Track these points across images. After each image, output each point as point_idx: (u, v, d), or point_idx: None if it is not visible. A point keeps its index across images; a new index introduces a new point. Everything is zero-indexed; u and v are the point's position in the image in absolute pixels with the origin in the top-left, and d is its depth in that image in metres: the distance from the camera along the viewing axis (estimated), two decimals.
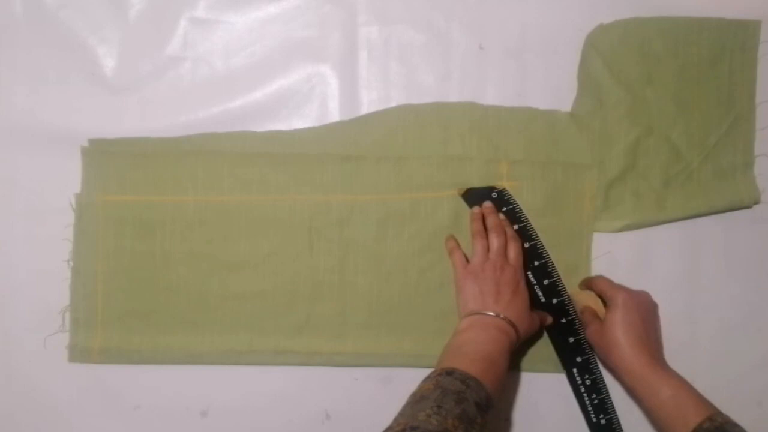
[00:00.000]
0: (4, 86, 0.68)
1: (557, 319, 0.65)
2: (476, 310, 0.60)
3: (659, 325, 0.65)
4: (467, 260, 0.64)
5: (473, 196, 0.66)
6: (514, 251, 0.64)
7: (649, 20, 0.67)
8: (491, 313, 0.59)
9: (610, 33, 0.67)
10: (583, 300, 0.66)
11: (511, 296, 0.61)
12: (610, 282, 0.64)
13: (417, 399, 0.52)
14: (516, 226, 0.66)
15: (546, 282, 0.65)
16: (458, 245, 0.66)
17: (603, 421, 0.65)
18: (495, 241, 0.63)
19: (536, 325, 0.63)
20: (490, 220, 0.65)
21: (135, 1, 0.69)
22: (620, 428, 0.65)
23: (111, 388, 0.67)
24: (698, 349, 0.68)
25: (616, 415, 0.65)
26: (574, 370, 0.66)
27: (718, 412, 0.55)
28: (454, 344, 0.58)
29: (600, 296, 0.64)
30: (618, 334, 0.60)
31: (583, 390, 0.65)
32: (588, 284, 0.66)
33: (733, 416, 0.64)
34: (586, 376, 0.65)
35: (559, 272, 0.66)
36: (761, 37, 0.68)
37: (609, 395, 0.65)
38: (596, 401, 0.65)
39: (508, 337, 0.58)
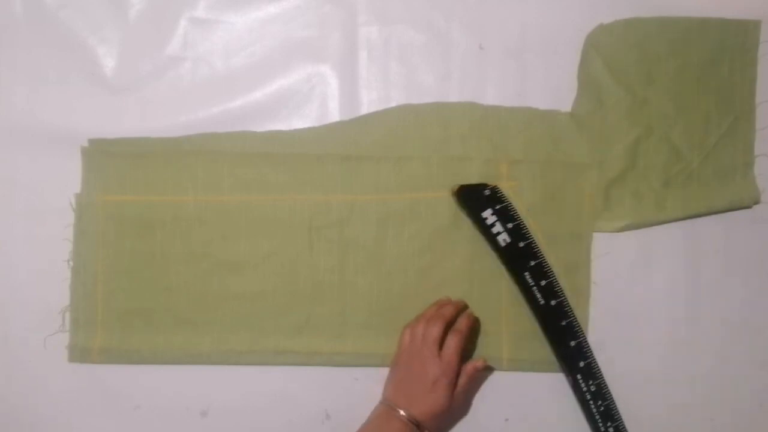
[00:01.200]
0: (4, 86, 0.68)
1: (557, 322, 0.65)
2: (390, 401, 0.60)
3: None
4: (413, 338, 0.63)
5: (466, 194, 0.66)
6: (453, 345, 0.61)
7: (649, 20, 0.67)
8: (401, 412, 0.59)
9: (610, 33, 0.67)
10: None
11: (425, 393, 0.59)
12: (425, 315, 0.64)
13: None
14: (510, 225, 0.65)
15: (543, 283, 0.65)
16: (421, 319, 0.63)
17: (611, 429, 0.64)
18: (430, 330, 0.61)
19: (449, 424, 0.64)
20: (429, 310, 0.64)
21: (135, 1, 0.69)
22: None
23: (111, 388, 0.67)
24: (698, 349, 0.68)
25: (623, 422, 0.65)
26: (578, 376, 0.65)
27: None
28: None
29: None
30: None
31: (588, 397, 0.65)
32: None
33: (733, 417, 0.64)
34: (590, 382, 0.65)
35: (559, 272, 0.66)
36: (761, 37, 0.68)
37: (613, 401, 0.65)
38: (602, 408, 0.64)
39: None
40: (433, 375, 0.60)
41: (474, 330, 0.65)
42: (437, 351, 0.61)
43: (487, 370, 0.66)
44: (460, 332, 0.62)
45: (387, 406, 0.60)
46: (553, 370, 0.66)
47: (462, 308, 0.65)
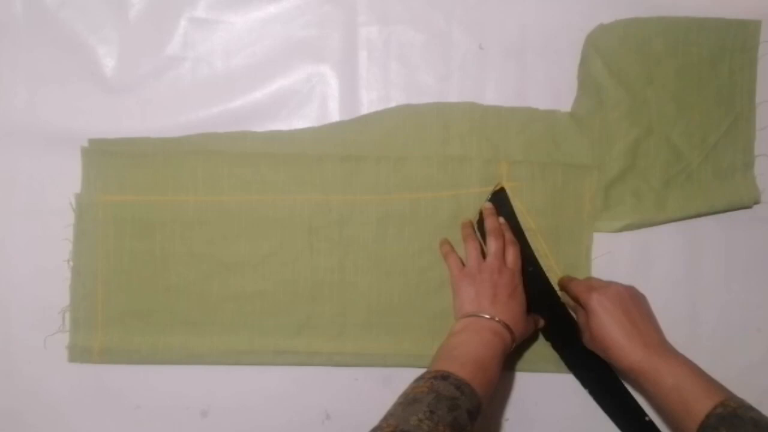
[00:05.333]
0: (4, 86, 0.68)
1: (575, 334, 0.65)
2: (471, 312, 0.60)
3: (648, 308, 0.62)
4: (463, 264, 0.64)
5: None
6: (512, 255, 0.63)
7: (649, 20, 0.67)
8: (486, 316, 0.59)
9: (610, 33, 0.67)
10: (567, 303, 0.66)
11: (507, 299, 0.60)
12: (580, 285, 0.63)
13: (409, 401, 0.51)
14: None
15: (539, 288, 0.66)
16: (452, 249, 0.66)
17: (647, 418, 0.65)
18: (493, 244, 0.63)
19: (531, 329, 0.63)
20: (489, 222, 0.65)
21: (135, 1, 0.69)
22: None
23: (111, 388, 0.67)
24: (698, 349, 0.67)
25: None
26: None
27: (731, 396, 0.52)
28: (448, 346, 0.58)
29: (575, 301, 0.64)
30: (606, 337, 0.59)
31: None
32: (562, 288, 0.65)
33: None
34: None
35: (559, 272, 0.66)
36: (761, 37, 0.68)
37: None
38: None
39: (503, 341, 0.58)
40: (511, 283, 0.61)
41: None
42: (504, 262, 0.63)
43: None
44: (515, 243, 0.64)
45: (471, 317, 0.60)
46: (553, 370, 0.66)
47: (493, 211, 0.66)
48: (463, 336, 0.58)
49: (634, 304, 0.60)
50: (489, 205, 0.66)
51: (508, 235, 0.65)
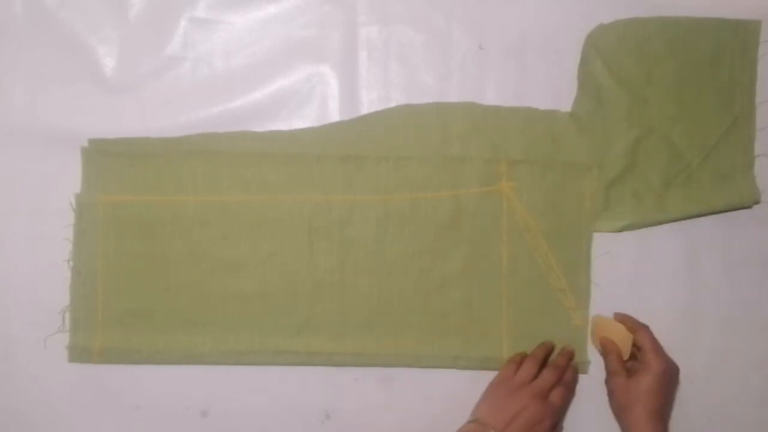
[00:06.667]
0: (4, 86, 0.68)
1: None
2: (483, 420, 0.60)
3: (676, 393, 0.65)
4: (516, 371, 0.63)
5: None
6: (558, 396, 0.61)
7: (649, 20, 0.67)
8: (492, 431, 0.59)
9: (610, 33, 0.67)
10: (607, 330, 0.65)
11: (525, 427, 0.59)
12: (652, 339, 0.63)
13: None
14: None
15: None
16: (522, 358, 0.65)
17: None
18: (548, 375, 0.62)
19: None
20: (559, 359, 0.64)
21: (135, 1, 0.69)
22: None
23: (111, 388, 0.67)
24: (698, 349, 0.68)
25: None
26: None
27: None
28: None
29: (635, 347, 0.64)
30: (643, 400, 0.60)
31: None
32: (629, 327, 0.64)
33: (733, 417, 0.64)
34: None
35: (559, 272, 0.66)
36: (761, 37, 0.68)
37: None
38: None
39: None
40: (536, 417, 0.59)
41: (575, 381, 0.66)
42: (547, 396, 0.61)
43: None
44: (569, 389, 0.64)
45: (479, 425, 0.59)
46: None
47: (571, 356, 0.66)
48: None
49: (674, 387, 0.64)
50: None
51: (569, 376, 0.64)
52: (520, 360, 0.64)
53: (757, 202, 0.68)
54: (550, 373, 0.62)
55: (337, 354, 0.67)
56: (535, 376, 0.62)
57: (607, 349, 0.64)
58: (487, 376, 0.66)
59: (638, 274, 0.67)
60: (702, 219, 0.68)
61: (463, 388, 0.66)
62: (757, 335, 0.68)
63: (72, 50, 0.68)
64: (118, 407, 0.67)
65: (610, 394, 0.64)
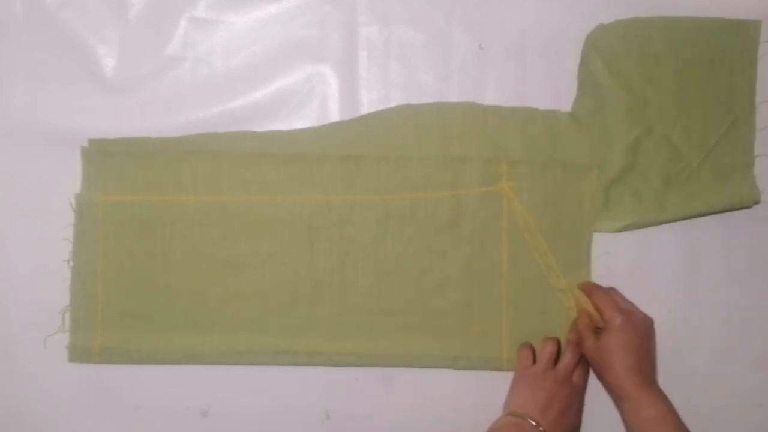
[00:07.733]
0: (4, 86, 0.68)
1: None
2: (519, 413, 0.60)
3: (654, 343, 0.64)
4: (534, 359, 0.64)
5: None
6: (581, 377, 0.63)
7: (649, 20, 0.67)
8: (533, 422, 0.59)
9: (610, 33, 0.67)
10: (581, 302, 0.65)
11: (558, 413, 0.60)
12: (609, 298, 0.63)
13: None
14: None
15: None
16: (530, 344, 0.65)
17: None
18: (569, 357, 0.63)
19: None
20: (571, 336, 0.64)
21: (135, 1, 0.69)
22: None
23: (111, 388, 0.67)
24: (698, 349, 0.68)
25: None
26: None
27: None
28: None
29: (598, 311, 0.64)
30: (613, 358, 0.60)
31: None
32: (587, 293, 0.65)
33: (733, 417, 0.64)
34: None
35: (559, 272, 0.66)
36: (761, 37, 0.67)
37: None
38: None
39: None
40: (568, 398, 0.61)
41: None
42: (571, 378, 0.62)
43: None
44: (585, 364, 0.64)
45: (517, 418, 0.60)
46: None
47: (579, 333, 0.65)
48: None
49: (648, 337, 0.62)
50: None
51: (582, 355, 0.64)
52: (530, 346, 0.65)
53: (757, 202, 0.68)
54: (570, 356, 0.63)
55: (337, 354, 0.67)
56: (554, 356, 0.63)
57: (579, 320, 0.64)
58: (487, 376, 0.66)
59: (638, 274, 0.67)
60: (702, 219, 0.68)
61: (463, 388, 0.66)
62: (757, 335, 0.68)
63: (72, 50, 0.68)
64: (118, 407, 0.67)
65: (588, 360, 0.63)
